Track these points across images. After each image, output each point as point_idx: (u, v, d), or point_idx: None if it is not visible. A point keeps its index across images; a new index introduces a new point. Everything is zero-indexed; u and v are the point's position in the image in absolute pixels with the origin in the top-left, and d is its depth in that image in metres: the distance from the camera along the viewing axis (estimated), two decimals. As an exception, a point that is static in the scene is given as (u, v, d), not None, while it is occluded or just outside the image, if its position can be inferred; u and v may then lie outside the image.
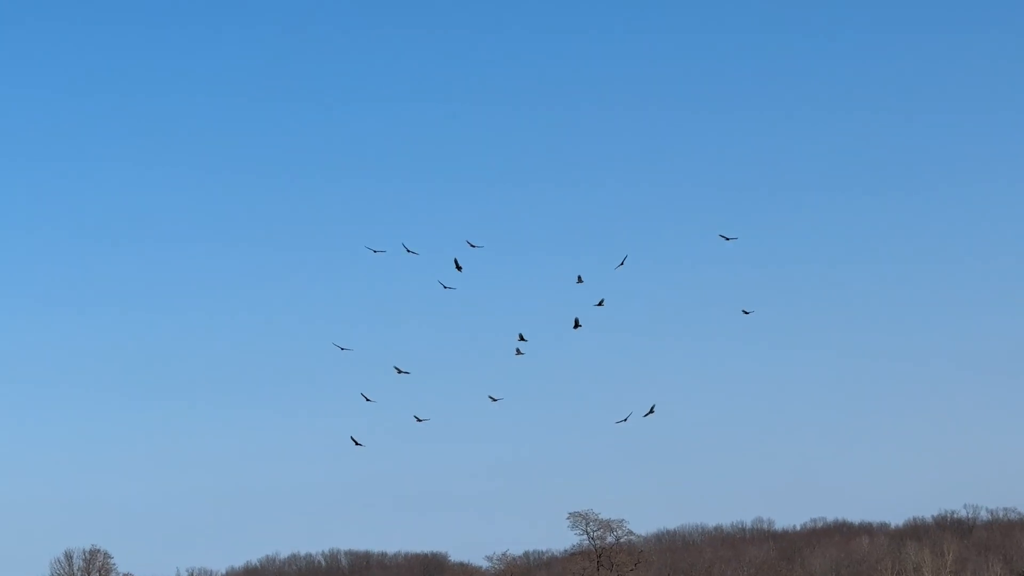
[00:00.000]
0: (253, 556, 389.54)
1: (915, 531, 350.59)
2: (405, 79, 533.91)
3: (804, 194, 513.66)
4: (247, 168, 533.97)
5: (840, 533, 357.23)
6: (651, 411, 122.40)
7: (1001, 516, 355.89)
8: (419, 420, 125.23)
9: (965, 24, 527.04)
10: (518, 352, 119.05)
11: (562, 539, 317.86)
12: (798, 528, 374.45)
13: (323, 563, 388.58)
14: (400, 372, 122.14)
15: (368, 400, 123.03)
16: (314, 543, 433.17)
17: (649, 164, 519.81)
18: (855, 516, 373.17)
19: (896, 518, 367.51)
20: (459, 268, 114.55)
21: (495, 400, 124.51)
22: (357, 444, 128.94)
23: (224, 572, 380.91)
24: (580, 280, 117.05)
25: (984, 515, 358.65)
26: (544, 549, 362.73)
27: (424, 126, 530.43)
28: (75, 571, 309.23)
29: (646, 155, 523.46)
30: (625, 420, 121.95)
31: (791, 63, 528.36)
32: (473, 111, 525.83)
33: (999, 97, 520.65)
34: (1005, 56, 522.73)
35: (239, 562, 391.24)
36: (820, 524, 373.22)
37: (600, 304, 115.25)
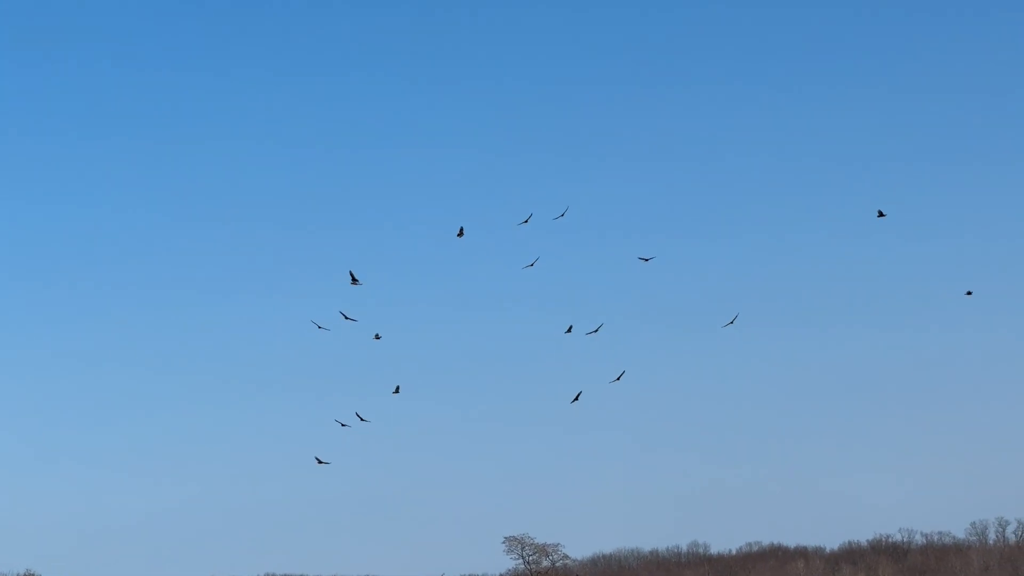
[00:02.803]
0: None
1: (850, 555, 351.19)
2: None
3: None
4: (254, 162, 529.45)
5: (775, 557, 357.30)
6: (577, 398, 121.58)
7: (936, 540, 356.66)
8: (358, 419, 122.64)
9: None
10: (354, 280, 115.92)
11: (497, 563, 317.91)
12: (734, 552, 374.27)
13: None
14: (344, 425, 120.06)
15: (357, 421, 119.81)
16: (247, 567, 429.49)
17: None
18: (790, 540, 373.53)
19: (831, 542, 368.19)
20: (355, 282, 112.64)
21: (322, 463, 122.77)
22: (321, 463, 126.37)
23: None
24: (461, 233, 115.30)
25: (919, 539, 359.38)
26: (480, 573, 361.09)
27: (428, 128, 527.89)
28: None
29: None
30: (576, 399, 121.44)
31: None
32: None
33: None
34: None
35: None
36: (756, 548, 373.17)
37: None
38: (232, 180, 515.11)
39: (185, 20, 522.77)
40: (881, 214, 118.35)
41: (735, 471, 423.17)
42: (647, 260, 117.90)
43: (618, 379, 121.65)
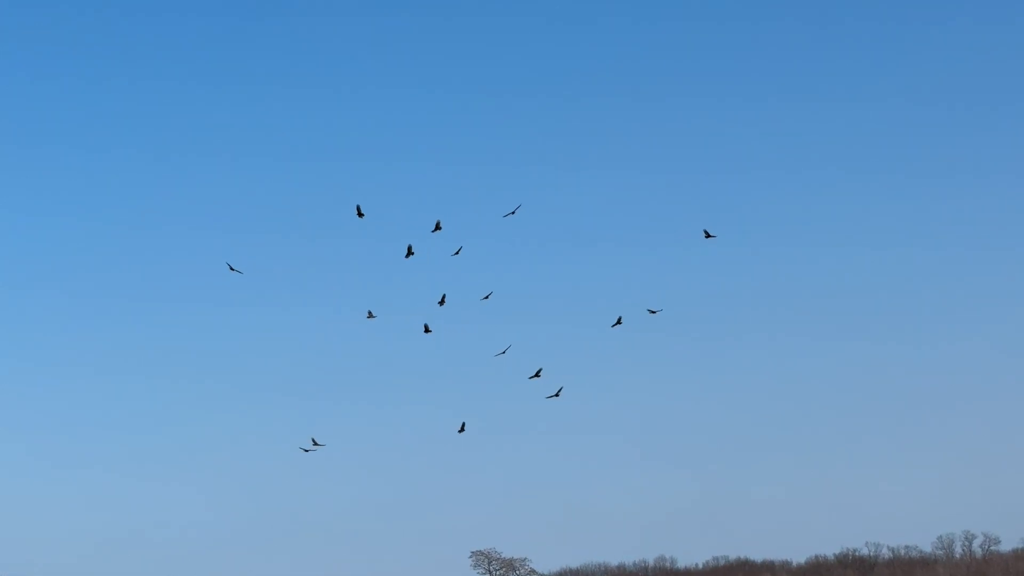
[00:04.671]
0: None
1: (817, 569, 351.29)
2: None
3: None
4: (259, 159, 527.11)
5: (743, 571, 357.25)
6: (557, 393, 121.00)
7: (902, 554, 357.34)
8: (312, 445, 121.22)
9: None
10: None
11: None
12: (700, 566, 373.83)
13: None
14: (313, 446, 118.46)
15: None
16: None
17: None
18: (757, 554, 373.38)
19: (798, 556, 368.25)
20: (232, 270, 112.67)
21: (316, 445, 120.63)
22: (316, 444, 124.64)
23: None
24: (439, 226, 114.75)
25: (885, 553, 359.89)
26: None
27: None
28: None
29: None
30: (557, 395, 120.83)
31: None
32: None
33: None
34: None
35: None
36: (723, 562, 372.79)
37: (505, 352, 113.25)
38: (241, 187, 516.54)
39: (183, 26, 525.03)
40: None
41: (702, 485, 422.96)
42: (710, 236, 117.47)
43: (556, 395, 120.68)
